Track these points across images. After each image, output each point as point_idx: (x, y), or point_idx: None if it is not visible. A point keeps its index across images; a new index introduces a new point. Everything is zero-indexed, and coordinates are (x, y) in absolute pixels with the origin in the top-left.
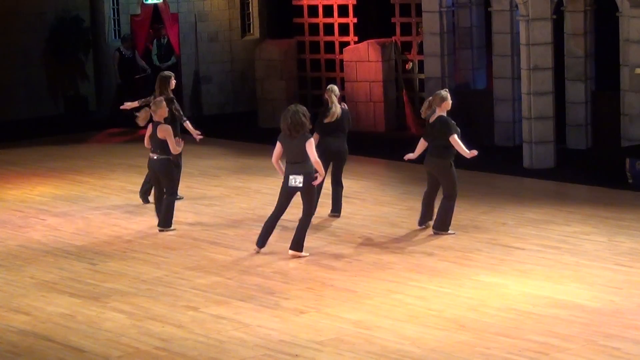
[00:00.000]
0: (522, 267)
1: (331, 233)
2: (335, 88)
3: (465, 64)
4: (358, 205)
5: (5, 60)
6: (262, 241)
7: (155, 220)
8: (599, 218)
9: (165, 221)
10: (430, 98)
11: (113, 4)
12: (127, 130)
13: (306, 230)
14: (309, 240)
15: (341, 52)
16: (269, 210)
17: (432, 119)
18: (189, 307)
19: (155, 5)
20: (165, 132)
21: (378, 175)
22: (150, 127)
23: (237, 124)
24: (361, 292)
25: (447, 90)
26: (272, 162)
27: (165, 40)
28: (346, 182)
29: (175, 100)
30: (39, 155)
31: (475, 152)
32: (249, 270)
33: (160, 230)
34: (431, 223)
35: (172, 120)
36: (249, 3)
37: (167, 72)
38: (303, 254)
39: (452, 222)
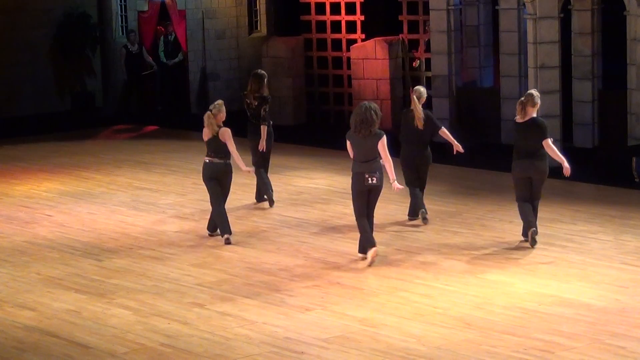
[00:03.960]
0: (528, 266)
1: (337, 230)
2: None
3: (472, 62)
4: None
5: (12, 56)
6: (362, 247)
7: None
8: (605, 217)
9: (215, 226)
10: (523, 99)
11: (120, 1)
12: (134, 126)
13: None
14: (315, 239)
15: (348, 50)
16: (275, 208)
17: (522, 120)
18: (195, 303)
19: (163, 1)
20: (226, 134)
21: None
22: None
23: (243, 121)
24: (367, 289)
25: (535, 89)
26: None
27: (173, 37)
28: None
29: (269, 101)
30: (45, 152)
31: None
32: (254, 267)
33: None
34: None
35: (264, 120)
36: (256, 0)
37: (261, 71)
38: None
39: (459, 220)
